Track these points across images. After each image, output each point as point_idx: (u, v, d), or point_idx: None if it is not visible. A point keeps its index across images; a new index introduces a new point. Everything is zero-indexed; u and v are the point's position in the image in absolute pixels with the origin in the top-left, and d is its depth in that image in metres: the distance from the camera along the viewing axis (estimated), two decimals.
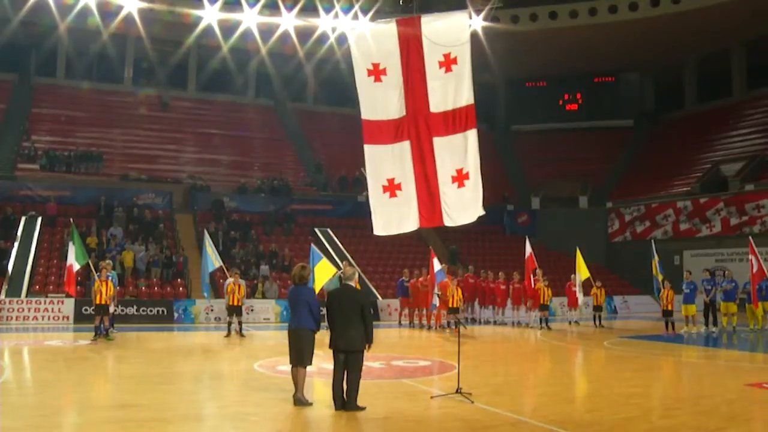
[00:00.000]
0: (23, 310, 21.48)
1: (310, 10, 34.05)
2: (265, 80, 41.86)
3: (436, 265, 20.91)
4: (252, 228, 30.29)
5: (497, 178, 41.19)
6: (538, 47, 39.16)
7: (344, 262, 23.15)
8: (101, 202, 28.42)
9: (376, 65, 9.44)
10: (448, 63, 9.39)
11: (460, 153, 9.45)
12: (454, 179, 9.51)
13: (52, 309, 21.76)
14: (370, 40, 9.42)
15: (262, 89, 42.74)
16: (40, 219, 26.53)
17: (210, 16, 34.92)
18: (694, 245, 32.08)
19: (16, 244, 24.69)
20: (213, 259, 20.76)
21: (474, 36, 36.89)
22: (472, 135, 9.46)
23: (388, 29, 9.40)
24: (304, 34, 35.46)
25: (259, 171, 35.94)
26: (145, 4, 33.47)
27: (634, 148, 42.16)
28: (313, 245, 21.13)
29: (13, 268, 23.50)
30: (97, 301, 17.24)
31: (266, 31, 35.93)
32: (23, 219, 26.20)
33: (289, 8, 34.65)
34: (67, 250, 19.07)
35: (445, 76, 9.41)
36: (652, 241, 24.52)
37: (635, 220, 35.19)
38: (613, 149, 41.80)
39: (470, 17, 36.20)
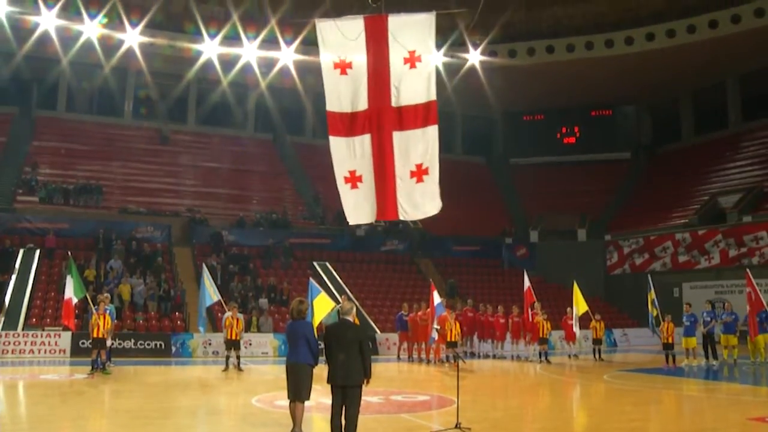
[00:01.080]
0: (20, 343, 21.35)
1: (308, 44, 34.39)
2: (265, 114, 42.10)
3: (436, 299, 20.84)
4: (250, 261, 30.24)
5: (495, 212, 41.40)
6: (536, 81, 39.49)
7: (343, 297, 23.13)
8: (100, 234, 28.37)
9: (342, 59, 9.63)
10: (412, 60, 9.54)
11: (420, 148, 9.60)
12: (413, 174, 9.64)
13: (49, 342, 21.62)
14: (338, 33, 9.64)
15: (261, 122, 42.95)
16: (38, 251, 26.49)
17: (210, 50, 35.34)
18: (694, 277, 32.06)
19: (13, 277, 24.60)
20: (211, 293, 20.70)
21: (472, 70, 37.52)
22: (432, 131, 9.59)
23: (356, 24, 9.65)
24: (302, 67, 35.79)
25: (258, 204, 35.99)
26: (146, 39, 33.86)
27: (632, 181, 42.32)
28: (311, 279, 21.08)
29: (11, 300, 23.38)
30: (95, 335, 17.17)
31: (266, 65, 36.32)
32: (21, 251, 26.15)
33: (288, 42, 35.06)
34: (65, 283, 19.01)
35: (409, 72, 9.57)
36: (649, 275, 24.45)
37: (634, 252, 35.22)
38: (611, 182, 41.94)
39: (467, 49, 36.69)
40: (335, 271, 30.81)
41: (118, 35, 33.39)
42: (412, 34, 9.64)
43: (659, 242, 34.06)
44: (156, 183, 35.42)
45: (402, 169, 9.44)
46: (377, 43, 9.61)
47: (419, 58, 9.39)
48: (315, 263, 31.25)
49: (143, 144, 38.24)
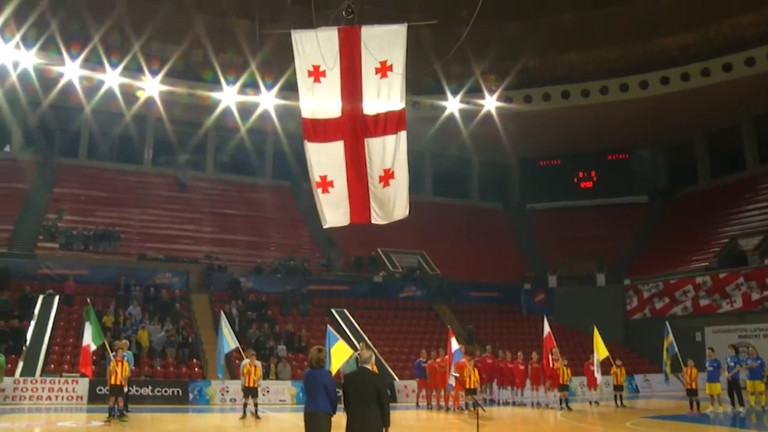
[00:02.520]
0: (37, 389, 21.31)
1: None
2: (282, 161, 42.41)
3: (454, 345, 20.70)
4: (268, 308, 30.20)
5: (513, 257, 41.24)
6: (552, 126, 39.68)
7: (361, 344, 22.99)
8: (120, 281, 28.49)
9: (316, 67, 9.94)
10: (384, 70, 9.90)
11: (389, 154, 9.92)
12: (381, 179, 9.97)
13: (66, 389, 21.58)
14: (313, 43, 10.02)
15: (278, 170, 43.24)
16: (57, 297, 26.59)
17: (228, 98, 35.86)
18: (716, 321, 31.59)
19: (32, 323, 24.66)
20: (229, 340, 20.63)
21: (488, 116, 37.84)
22: (402, 137, 9.92)
23: (331, 35, 10.04)
24: None
25: (276, 251, 36.04)
26: (165, 87, 34.47)
27: (650, 225, 42.10)
28: (329, 326, 21.00)
29: (29, 346, 23.42)
30: (112, 382, 17.13)
31: (283, 113, 36.75)
32: (41, 297, 26.27)
33: None
34: (84, 330, 19.03)
35: (380, 81, 9.93)
36: (666, 322, 24.14)
37: (654, 296, 34.83)
38: (629, 226, 41.73)
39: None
40: (353, 318, 30.66)
41: (139, 84, 34.05)
42: (384, 45, 9.98)
43: (679, 286, 33.70)
44: (174, 230, 35.63)
45: (373, 174, 9.80)
46: (350, 53, 9.97)
47: (390, 67, 9.81)
48: (333, 310, 31.16)
49: (162, 191, 38.67)
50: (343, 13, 11.35)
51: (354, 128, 9.84)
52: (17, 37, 30.44)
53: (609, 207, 42.81)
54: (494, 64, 37.82)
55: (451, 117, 38.62)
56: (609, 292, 36.65)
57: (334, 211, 10.02)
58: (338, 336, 19.37)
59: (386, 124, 9.81)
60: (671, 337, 22.33)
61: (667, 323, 23.37)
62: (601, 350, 23.18)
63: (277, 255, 35.25)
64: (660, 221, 42.26)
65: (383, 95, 9.82)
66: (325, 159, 9.90)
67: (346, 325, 29.61)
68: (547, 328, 23.11)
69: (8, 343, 22.89)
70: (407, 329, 32.14)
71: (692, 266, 34.61)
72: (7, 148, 37.97)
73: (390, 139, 9.80)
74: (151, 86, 34.35)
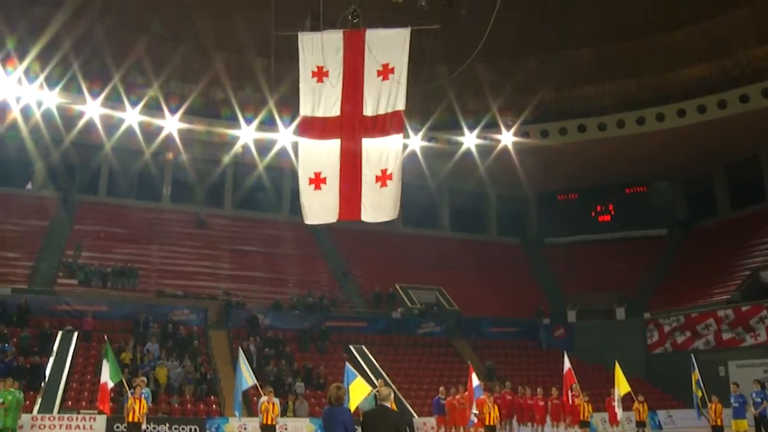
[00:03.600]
0: (55, 426, 21.23)
1: None
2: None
3: (474, 381, 20.51)
4: (286, 345, 30.11)
5: (532, 292, 40.94)
6: (569, 160, 39.64)
7: (379, 381, 22.83)
8: (139, 318, 28.54)
9: (320, 68, 10.28)
10: (385, 72, 10.21)
11: (386, 155, 10.18)
12: (378, 179, 10.21)
13: (84, 426, 21.47)
14: (318, 45, 10.32)
15: (296, 206, 43.01)
16: (76, 334, 26.67)
17: (246, 135, 36.18)
18: (740, 355, 31.02)
19: (51, 359, 24.73)
20: (247, 377, 20.53)
21: (504, 151, 37.87)
22: (399, 138, 10.25)
23: (335, 37, 10.39)
24: None
25: (294, 288, 36.00)
26: (184, 125, 34.87)
27: (670, 258, 41.67)
28: (347, 363, 20.86)
29: (48, 383, 23.45)
30: (130, 419, 17.08)
31: None
32: (60, 334, 26.35)
33: None
34: (102, 367, 19.03)
35: (381, 83, 10.23)
36: (692, 355, 23.77)
37: (675, 330, 34.35)
38: (648, 259, 41.31)
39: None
40: (371, 354, 30.47)
41: (158, 122, 34.49)
42: (387, 48, 10.29)
43: (701, 320, 33.24)
44: (193, 266, 35.73)
45: (368, 173, 10.02)
46: (354, 55, 10.28)
47: (392, 70, 10.14)
48: (351, 347, 31.00)
49: (180, 228, 38.87)
50: (349, 16, 11.76)
51: (352, 128, 10.17)
52: (41, 78, 31.07)
53: (628, 240, 42.48)
54: (510, 99, 37.96)
55: (468, 152, 38.68)
56: (629, 326, 36.19)
57: (322, 207, 10.34)
58: (356, 373, 19.23)
59: (385, 125, 10.12)
60: (697, 372, 22.00)
61: (693, 357, 23.03)
62: (622, 385, 22.82)
63: (295, 291, 35.20)
64: (680, 254, 41.84)
65: (384, 97, 10.14)
66: (320, 156, 10.23)
67: (365, 362, 29.41)
68: (567, 364, 22.84)
69: (27, 380, 22.93)
70: (426, 365, 31.92)
71: (713, 299, 34.17)
72: (29, 186, 38.49)
73: (389, 140, 10.13)
74: (170, 124, 34.78)
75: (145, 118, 34.32)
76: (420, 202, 44.14)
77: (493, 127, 37.72)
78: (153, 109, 34.28)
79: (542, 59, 38.33)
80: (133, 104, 33.59)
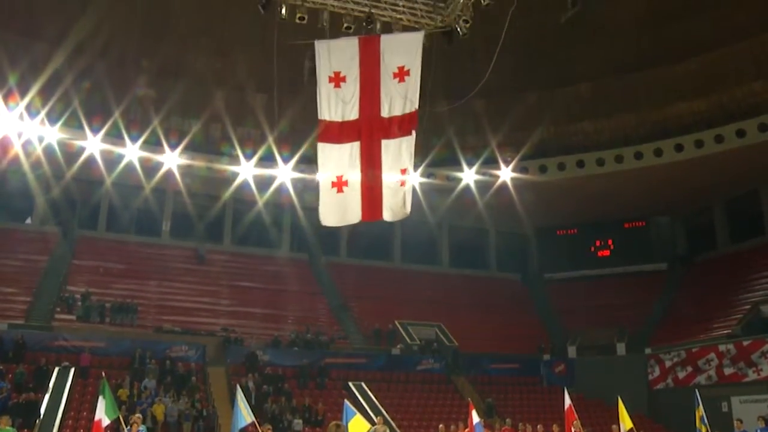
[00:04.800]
0: None
1: None
2: (300, 234, 42.59)
3: (474, 418, 20.30)
4: (285, 382, 29.88)
5: (532, 328, 40.78)
6: (568, 195, 39.71)
7: (379, 418, 22.63)
8: (136, 354, 28.35)
9: (337, 73, 10.71)
10: (401, 74, 10.62)
11: (404, 154, 10.66)
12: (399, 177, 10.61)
13: None
14: (335, 52, 10.60)
15: (296, 243, 43.35)
16: (73, 370, 26.43)
17: (246, 171, 36.32)
18: (743, 390, 30.66)
19: (47, 396, 24.49)
20: (245, 414, 20.26)
21: (503, 187, 37.96)
22: (413, 137, 10.75)
23: (351, 43, 10.66)
24: None
25: (293, 324, 35.84)
26: (184, 161, 35.01)
27: (670, 292, 41.55)
28: (346, 400, 20.65)
29: (43, 420, 23.19)
30: None
31: (300, 186, 37.11)
32: (56, 370, 26.12)
33: None
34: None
35: (398, 85, 10.65)
36: (696, 390, 23.53)
37: (676, 365, 34.04)
38: (649, 294, 41.19)
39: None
40: (371, 391, 30.26)
41: (158, 158, 34.64)
42: (402, 51, 10.73)
43: (702, 354, 32.96)
44: (191, 302, 35.62)
45: (389, 173, 10.24)
46: (369, 61, 10.70)
47: (408, 72, 10.51)
48: (350, 383, 30.77)
49: (180, 263, 38.81)
50: (364, 23, 12.07)
51: (370, 130, 10.37)
52: (42, 113, 31.29)
53: (627, 275, 42.42)
54: (509, 134, 38.14)
55: (467, 188, 38.79)
56: (630, 361, 35.90)
57: (344, 209, 10.43)
58: (355, 410, 19.00)
59: (402, 125, 10.35)
60: (702, 407, 21.73)
61: (697, 393, 22.80)
62: (626, 421, 22.54)
63: (294, 328, 35.04)
64: (680, 288, 41.71)
65: (401, 98, 10.52)
66: (341, 159, 10.36)
67: (364, 399, 29.19)
68: (567, 400, 22.59)
69: (22, 417, 22.67)
70: (425, 402, 31.63)
71: (715, 334, 33.94)
72: (28, 221, 38.50)
73: (406, 140, 10.37)
74: (170, 159, 34.93)
75: (145, 154, 34.49)
76: (419, 238, 44.20)
77: (492, 162, 37.85)
78: (153, 144, 34.44)
79: (541, 95, 38.60)
80: (134, 140, 33.78)
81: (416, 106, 10.64)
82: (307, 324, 35.43)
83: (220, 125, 37.23)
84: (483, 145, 37.81)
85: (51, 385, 25.17)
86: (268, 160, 36.32)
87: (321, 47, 10.83)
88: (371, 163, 10.50)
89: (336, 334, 35.72)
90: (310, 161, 35.57)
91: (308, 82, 22.54)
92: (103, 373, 20.79)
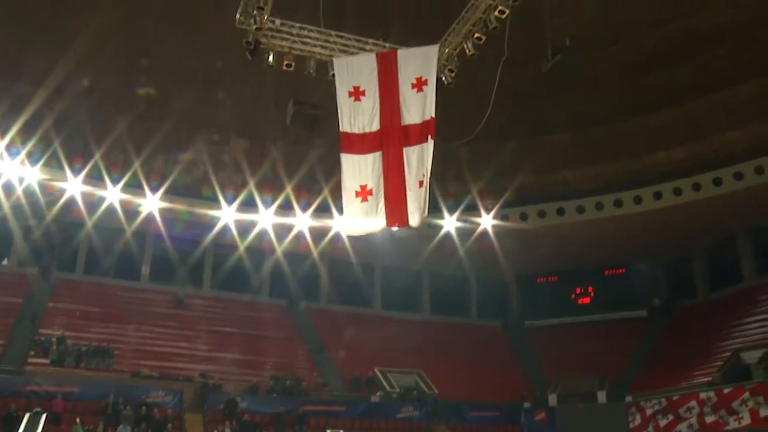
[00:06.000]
0: None
1: (323, 210, 35.38)
2: (280, 279, 42.36)
3: None
4: (263, 429, 29.42)
5: (513, 375, 40.58)
6: (548, 243, 39.91)
7: None
8: (110, 399, 27.77)
9: (356, 87, 11.28)
10: (419, 85, 11.30)
11: (424, 160, 11.22)
12: (420, 183, 11.23)
13: None
14: (353, 67, 11.20)
15: (276, 288, 43.09)
16: (44, 416, 25.76)
17: (227, 216, 36.27)
18: None
19: None
20: None
21: (484, 234, 38.16)
22: (432, 143, 11.29)
23: (368, 59, 11.32)
24: (318, 234, 36.60)
25: (272, 370, 35.43)
26: (165, 204, 34.90)
27: (651, 340, 41.56)
28: None
29: None
30: None
31: (281, 231, 37.09)
32: (27, 416, 25.47)
33: (304, 208, 36.04)
34: None
35: (417, 95, 11.31)
36: None
37: (657, 413, 33.82)
38: (629, 341, 41.19)
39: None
40: None
41: (139, 200, 34.50)
42: (419, 63, 11.40)
43: (683, 402, 32.80)
44: (170, 347, 35.12)
45: (411, 179, 10.75)
46: (388, 74, 11.30)
47: (426, 82, 11.31)
48: (329, 431, 30.35)
49: (159, 307, 38.34)
50: (380, 39, 12.65)
51: (392, 139, 10.95)
52: (23, 154, 31.18)
53: (608, 323, 42.42)
54: (491, 182, 38.45)
55: (448, 235, 38.95)
56: (611, 409, 35.59)
57: (369, 218, 10.90)
58: None
59: (422, 132, 10.90)
60: None
61: None
62: None
63: (273, 374, 34.63)
64: (660, 336, 41.74)
65: (419, 107, 11.28)
66: (363, 169, 10.83)
67: None
68: None
69: None
70: None
71: (695, 381, 33.87)
72: (5, 262, 37.97)
73: (425, 146, 10.83)
74: (151, 203, 34.81)
75: (126, 196, 34.36)
76: (400, 285, 44.19)
77: (473, 209, 38.09)
78: (134, 187, 34.33)
79: (521, 143, 39.07)
80: (114, 182, 33.68)
81: (433, 114, 11.35)
82: (285, 370, 35.03)
83: (201, 168, 37.21)
84: (464, 192, 38.08)
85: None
86: (249, 204, 36.32)
87: (339, 64, 11.54)
88: (394, 171, 11.16)
89: (315, 381, 35.32)
90: (290, 206, 35.68)
91: (290, 125, 22.78)
92: (78, 420, 20.36)
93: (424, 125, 11.38)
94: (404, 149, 11.30)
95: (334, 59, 11.54)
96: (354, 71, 11.44)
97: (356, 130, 11.24)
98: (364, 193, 11.03)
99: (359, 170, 11.17)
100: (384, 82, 11.48)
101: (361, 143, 11.22)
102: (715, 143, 35.79)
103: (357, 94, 11.39)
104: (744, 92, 34.32)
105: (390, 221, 11.26)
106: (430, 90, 11.32)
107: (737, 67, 33.69)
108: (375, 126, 11.26)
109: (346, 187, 11.12)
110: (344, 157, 11.31)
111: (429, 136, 11.41)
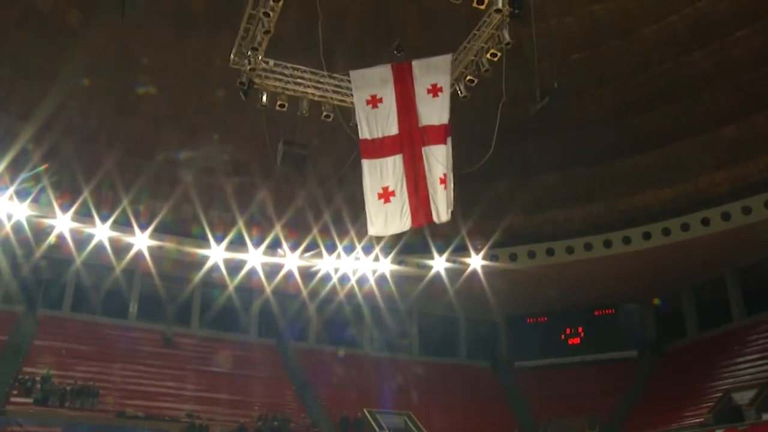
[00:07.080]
0: None
1: (313, 249, 35.40)
2: (269, 319, 42.16)
3: None
4: None
5: (502, 416, 40.33)
6: (538, 283, 39.91)
7: None
8: None
9: (373, 96, 12.09)
10: (435, 90, 12.18)
11: (444, 159, 11.97)
12: (441, 181, 11.87)
13: None
14: (369, 78, 12.30)
15: (265, 327, 42.83)
16: None
17: (216, 255, 36.22)
18: None
19: None
20: None
21: (474, 275, 38.19)
22: (450, 144, 12.10)
23: (384, 69, 12.49)
24: (307, 273, 36.57)
25: (260, 410, 35.05)
26: (154, 243, 34.81)
27: (641, 380, 41.37)
28: None
29: None
30: None
31: (270, 271, 37.04)
32: None
33: (293, 247, 36.05)
34: None
35: (433, 100, 12.26)
36: None
37: None
38: (619, 382, 41.01)
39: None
40: None
41: (127, 238, 34.40)
42: (434, 72, 12.28)
43: None
44: (157, 386, 34.72)
45: (432, 177, 11.52)
46: (404, 81, 12.23)
47: (441, 88, 12.38)
48: None
49: (146, 346, 37.91)
50: (395, 51, 13.29)
51: (411, 141, 11.63)
52: (11, 190, 31.07)
53: (598, 363, 42.28)
54: (480, 222, 38.53)
55: (437, 276, 39.00)
56: None
57: (394, 218, 11.66)
58: None
59: (440, 134, 11.55)
60: None
61: None
62: None
63: (261, 414, 34.27)
64: (650, 376, 41.57)
65: (435, 111, 12.17)
66: (385, 172, 11.41)
67: None
68: None
69: None
70: None
71: (686, 422, 33.60)
72: None
73: (443, 147, 11.42)
74: (140, 240, 34.72)
75: (115, 234, 34.25)
76: (389, 326, 43.99)
77: (462, 250, 38.16)
78: (123, 224, 34.24)
79: (511, 184, 39.25)
80: (103, 219, 33.59)
81: (448, 118, 12.13)
82: (273, 411, 34.68)
83: (190, 207, 37.16)
84: (454, 232, 38.08)
85: None
86: (238, 243, 36.29)
87: (356, 76, 12.52)
88: (415, 171, 11.96)
89: (303, 422, 34.96)
90: (279, 246, 35.66)
91: (279, 165, 22.87)
92: None
93: (441, 128, 12.36)
94: (423, 149, 12.24)
95: (350, 72, 12.41)
96: (370, 81, 12.40)
97: (376, 135, 12.16)
98: (386, 195, 11.79)
99: (380, 173, 11.94)
100: (400, 89, 12.61)
101: (381, 147, 12.06)
102: (702, 184, 36.11)
103: (374, 101, 12.29)
104: (728, 134, 34.71)
105: (415, 220, 12.10)
106: (445, 96, 12.18)
107: (721, 109, 34.15)
108: (394, 129, 12.18)
109: (368, 190, 11.84)
110: (365, 163, 12.20)
111: (446, 139, 12.22)
